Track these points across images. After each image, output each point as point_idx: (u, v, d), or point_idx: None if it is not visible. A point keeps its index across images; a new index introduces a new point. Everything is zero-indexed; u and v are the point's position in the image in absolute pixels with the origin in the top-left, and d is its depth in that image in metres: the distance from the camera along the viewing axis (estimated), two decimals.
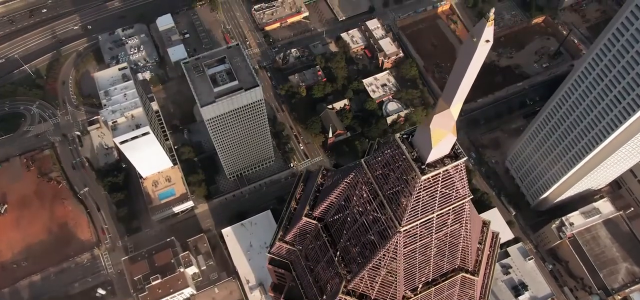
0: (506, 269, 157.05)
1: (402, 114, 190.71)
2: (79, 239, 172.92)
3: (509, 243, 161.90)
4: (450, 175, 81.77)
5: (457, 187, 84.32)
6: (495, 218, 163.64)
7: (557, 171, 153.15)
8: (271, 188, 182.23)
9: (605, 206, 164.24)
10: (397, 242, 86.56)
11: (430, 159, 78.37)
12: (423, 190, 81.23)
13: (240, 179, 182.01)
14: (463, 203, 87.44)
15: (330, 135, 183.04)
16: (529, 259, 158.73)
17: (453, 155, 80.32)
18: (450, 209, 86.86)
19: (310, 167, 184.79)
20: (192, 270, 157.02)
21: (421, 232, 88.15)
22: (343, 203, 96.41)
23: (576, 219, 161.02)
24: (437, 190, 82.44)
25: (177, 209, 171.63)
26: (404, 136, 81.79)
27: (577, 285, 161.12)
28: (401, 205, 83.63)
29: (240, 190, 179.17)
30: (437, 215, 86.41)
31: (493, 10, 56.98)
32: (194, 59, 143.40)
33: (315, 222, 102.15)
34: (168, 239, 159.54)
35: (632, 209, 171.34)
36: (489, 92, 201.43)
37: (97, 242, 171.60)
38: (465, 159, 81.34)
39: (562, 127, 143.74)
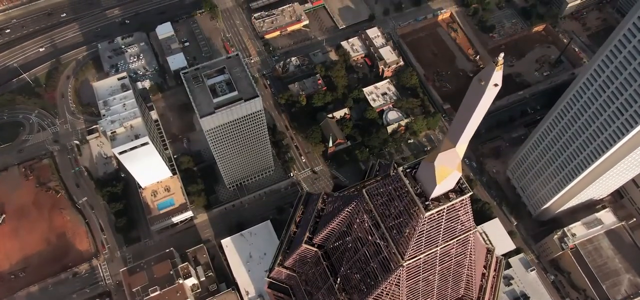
0: (508, 280, 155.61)
1: (403, 123, 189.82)
2: (77, 249, 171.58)
3: (510, 254, 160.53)
4: (456, 209, 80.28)
5: (462, 220, 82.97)
6: (496, 228, 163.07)
7: (558, 182, 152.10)
8: (271, 198, 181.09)
9: (607, 217, 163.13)
10: (399, 275, 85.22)
11: (435, 194, 77.11)
12: (427, 225, 79.88)
13: (240, 189, 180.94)
14: (467, 235, 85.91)
15: (331, 144, 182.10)
16: (531, 270, 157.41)
17: (458, 190, 78.57)
18: (454, 241, 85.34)
19: (310, 176, 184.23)
20: (191, 281, 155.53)
21: (425, 264, 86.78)
22: (344, 231, 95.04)
23: (578, 230, 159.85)
24: (442, 224, 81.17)
25: (176, 219, 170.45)
26: (407, 170, 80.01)
27: (579, 296, 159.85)
28: (404, 239, 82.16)
29: (239, 200, 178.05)
30: (441, 248, 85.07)
31: (502, 55, 56.00)
32: (193, 69, 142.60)
33: (315, 249, 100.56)
34: (167, 250, 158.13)
35: (635, 219, 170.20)
36: None
37: (95, 252, 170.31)
38: (470, 193, 79.58)
39: (564, 137, 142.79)
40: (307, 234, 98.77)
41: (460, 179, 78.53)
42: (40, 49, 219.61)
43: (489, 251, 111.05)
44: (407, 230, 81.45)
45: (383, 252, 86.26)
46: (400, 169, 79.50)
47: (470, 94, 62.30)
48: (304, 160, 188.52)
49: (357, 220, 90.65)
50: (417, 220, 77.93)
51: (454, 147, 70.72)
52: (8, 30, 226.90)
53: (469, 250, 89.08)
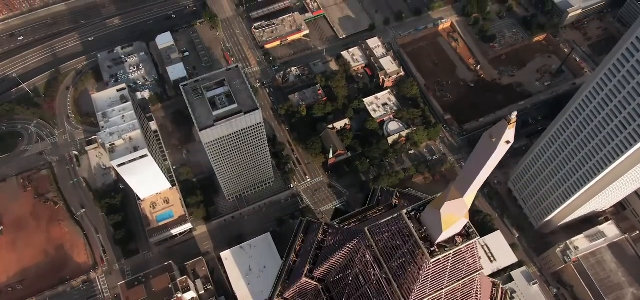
0: (510, 294, 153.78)
1: (404, 133, 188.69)
2: (76, 261, 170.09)
3: (512, 267, 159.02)
4: (462, 252, 78.40)
5: (468, 263, 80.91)
6: (498, 241, 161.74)
7: (561, 194, 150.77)
8: (271, 209, 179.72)
9: (610, 229, 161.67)
10: None
11: (441, 239, 75.50)
12: (432, 270, 77.85)
13: (240, 200, 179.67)
14: (474, 276, 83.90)
15: (331, 155, 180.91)
16: (534, 284, 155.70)
17: (465, 234, 76.68)
18: (460, 283, 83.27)
19: (310, 187, 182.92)
20: (190, 295, 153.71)
21: None
22: (345, 266, 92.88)
23: (581, 243, 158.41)
24: (447, 267, 79.13)
25: (175, 231, 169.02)
26: (411, 213, 78.00)
27: None
28: (408, 281, 79.89)
29: (239, 211, 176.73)
30: (446, 290, 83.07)
31: (515, 113, 54.80)
32: (193, 81, 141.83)
33: (315, 283, 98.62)
34: (166, 263, 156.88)
35: (638, 231, 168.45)
36: (490, 111, 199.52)
37: (93, 265, 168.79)
38: (477, 238, 77.57)
39: (567, 150, 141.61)
40: (308, 266, 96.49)
41: (467, 223, 76.59)
42: (40, 59, 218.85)
43: (495, 285, 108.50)
44: (411, 272, 79.19)
45: (386, 292, 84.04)
46: (404, 211, 77.16)
47: (481, 149, 60.49)
48: (304, 172, 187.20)
49: (359, 256, 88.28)
50: (422, 265, 75.94)
51: (461, 198, 69.03)
52: (10, 37, 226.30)
53: (474, 288, 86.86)
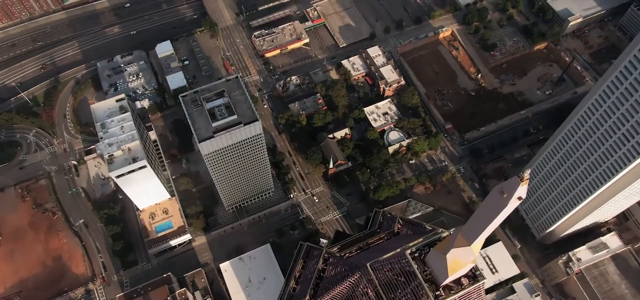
0: None
1: (404, 143, 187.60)
2: (74, 273, 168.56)
3: (514, 278, 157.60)
4: (469, 293, 76.31)
5: None
6: (500, 252, 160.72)
7: (563, 205, 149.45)
8: (271, 220, 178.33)
9: (613, 240, 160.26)
10: None
11: (446, 282, 73.67)
12: None
13: (239, 210, 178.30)
14: None
15: (331, 165, 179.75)
16: (536, 296, 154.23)
17: (471, 276, 74.58)
18: None
19: (310, 197, 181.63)
20: None
21: None
22: (346, 299, 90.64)
23: (584, 254, 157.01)
24: None
25: (174, 242, 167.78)
26: (415, 254, 76.11)
27: None
28: None
29: (239, 222, 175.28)
30: None
31: (529, 171, 53.58)
32: (192, 92, 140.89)
33: None
34: (165, 275, 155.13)
35: None
36: (491, 121, 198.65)
37: (92, 276, 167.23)
38: (484, 280, 75.37)
39: (569, 161, 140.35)
40: (307, 297, 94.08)
41: (475, 266, 74.75)
42: (39, 68, 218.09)
43: None
44: None
45: None
46: (408, 251, 75.39)
47: (491, 203, 59.27)
48: (304, 182, 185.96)
49: (360, 289, 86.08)
50: None
51: (469, 246, 67.52)
52: (10, 46, 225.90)
53: None
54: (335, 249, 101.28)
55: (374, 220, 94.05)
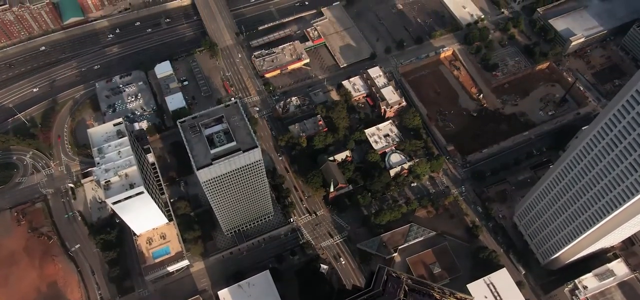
0: None
1: (406, 166, 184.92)
2: (69, 299, 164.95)
3: None
4: None
5: None
6: (504, 279, 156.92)
7: (569, 232, 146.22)
8: (270, 244, 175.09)
9: (619, 267, 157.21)
10: None
11: None
12: None
13: (238, 235, 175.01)
14: None
15: (332, 189, 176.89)
16: None
17: None
18: None
19: (311, 221, 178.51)
20: None
21: None
22: None
23: (590, 282, 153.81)
24: None
25: (172, 268, 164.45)
26: None
27: None
28: None
29: (237, 247, 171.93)
30: None
31: None
32: (190, 118, 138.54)
33: None
34: None
35: None
36: (494, 142, 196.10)
37: None
38: None
39: (574, 188, 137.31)
40: None
41: None
42: (34, 90, 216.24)
43: None
44: None
45: None
46: None
47: None
48: (304, 205, 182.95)
49: None
50: None
51: None
52: (8, 66, 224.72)
53: None
54: None
55: (377, 278, 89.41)
